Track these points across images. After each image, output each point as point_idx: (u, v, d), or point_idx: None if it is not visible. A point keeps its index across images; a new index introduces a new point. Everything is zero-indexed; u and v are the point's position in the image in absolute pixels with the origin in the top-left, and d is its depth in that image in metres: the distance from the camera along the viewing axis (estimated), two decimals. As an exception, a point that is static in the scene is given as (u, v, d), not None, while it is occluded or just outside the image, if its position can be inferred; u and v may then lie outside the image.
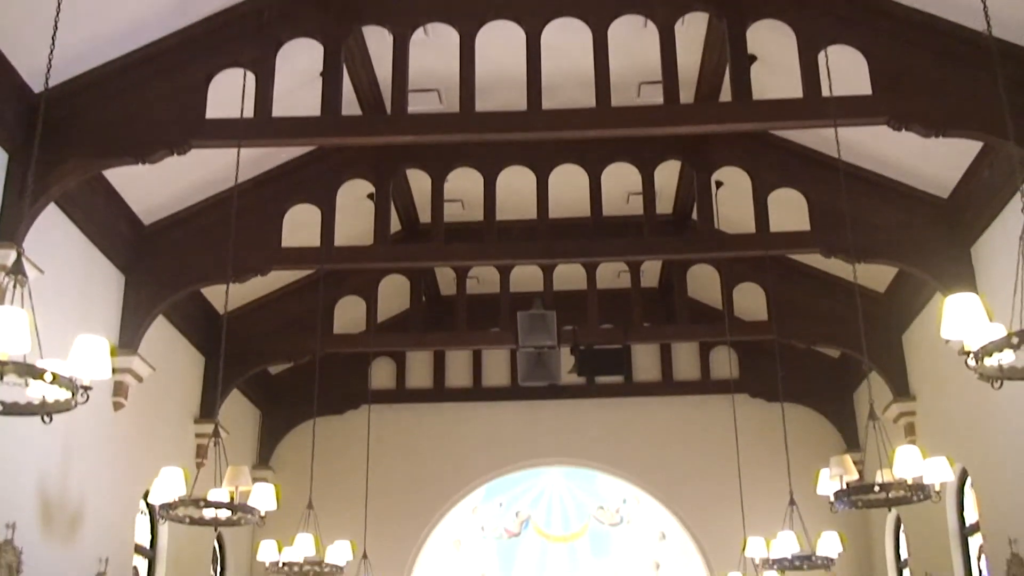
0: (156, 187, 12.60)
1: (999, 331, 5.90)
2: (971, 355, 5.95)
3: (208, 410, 15.13)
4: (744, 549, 13.77)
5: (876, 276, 15.04)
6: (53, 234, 10.94)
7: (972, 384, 12.35)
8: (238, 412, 17.09)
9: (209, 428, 11.90)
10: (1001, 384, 6.22)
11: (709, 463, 18.23)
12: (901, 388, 15.41)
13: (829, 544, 12.77)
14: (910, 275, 13.94)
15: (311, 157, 13.92)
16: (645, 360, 19.24)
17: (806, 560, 12.88)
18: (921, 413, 15.17)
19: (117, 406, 12.69)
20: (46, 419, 5.94)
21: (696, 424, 18.74)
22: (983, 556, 13.74)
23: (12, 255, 8.28)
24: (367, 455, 17.00)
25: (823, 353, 17.94)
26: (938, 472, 9.05)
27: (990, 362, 5.97)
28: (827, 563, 12.99)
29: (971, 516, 14.32)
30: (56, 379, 5.49)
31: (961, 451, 13.33)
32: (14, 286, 6.12)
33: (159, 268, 13.27)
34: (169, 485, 9.09)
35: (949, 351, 12.34)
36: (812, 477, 10.54)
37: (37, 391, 5.77)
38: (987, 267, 12.34)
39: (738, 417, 16.19)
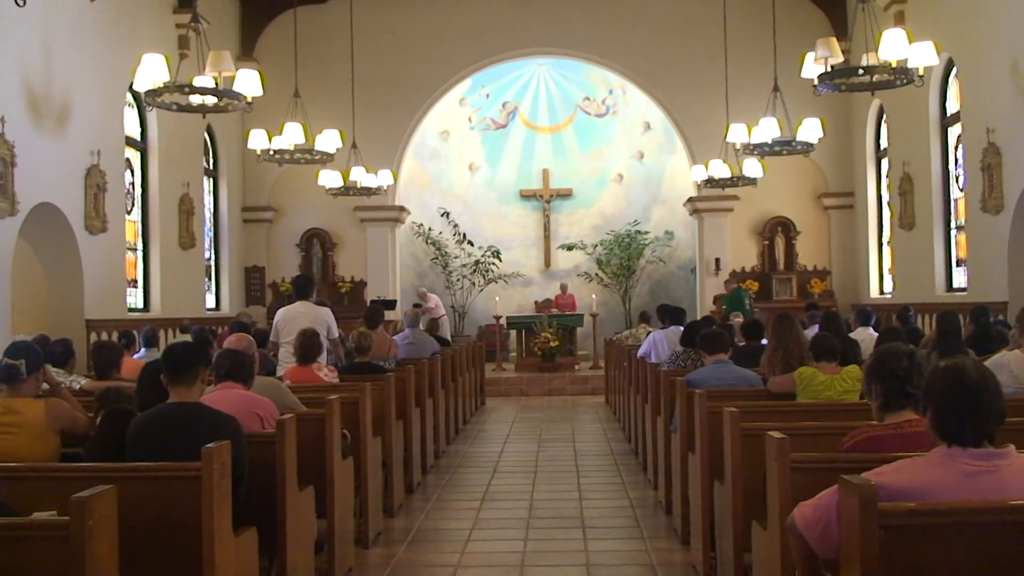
0: None
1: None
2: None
3: (186, -2, 14.74)
4: (726, 136, 13.93)
5: None
6: None
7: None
8: (217, 2, 16.65)
9: (187, 18, 11.70)
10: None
11: (696, 52, 18.08)
12: (896, -28, 15.03)
13: (810, 130, 12.83)
14: None
15: None
16: (636, -56, 18.56)
17: (786, 145, 13.08)
18: (912, 0, 14.89)
19: (92, -5, 12.37)
20: (20, 2, 5.80)
21: (684, 12, 18.37)
22: (960, 145, 14.03)
23: None
24: (351, 45, 16.82)
25: (819, -65, 17.37)
26: (923, 55, 8.99)
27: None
28: (807, 148, 13.19)
29: (952, 107, 14.47)
30: (23, -43, 5.29)
31: (949, 40, 13.23)
32: None
33: None
34: (152, 71, 9.03)
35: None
36: (798, 66, 10.37)
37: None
38: None
39: (727, 3, 15.88)
